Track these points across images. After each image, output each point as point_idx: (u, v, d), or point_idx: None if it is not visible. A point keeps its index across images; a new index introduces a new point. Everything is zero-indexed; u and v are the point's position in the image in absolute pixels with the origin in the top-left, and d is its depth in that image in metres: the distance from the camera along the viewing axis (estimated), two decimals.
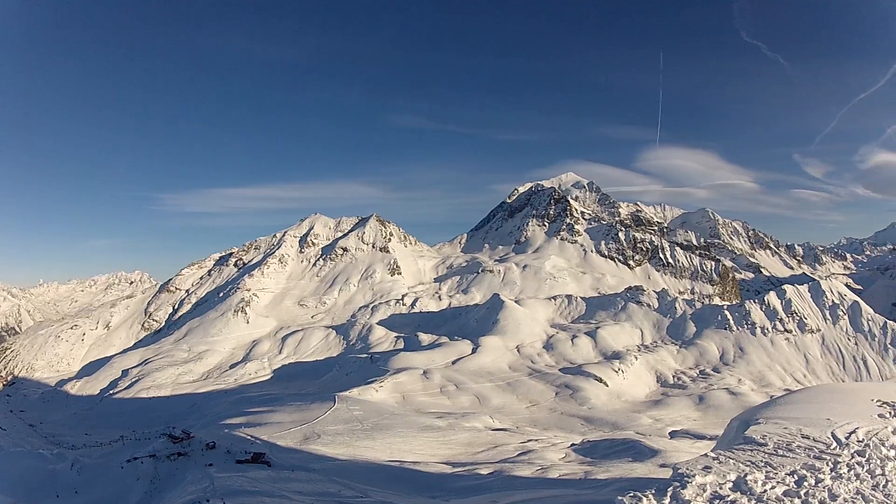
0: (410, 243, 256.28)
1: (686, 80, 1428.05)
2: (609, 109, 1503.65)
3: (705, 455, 15.55)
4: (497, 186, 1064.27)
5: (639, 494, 13.73)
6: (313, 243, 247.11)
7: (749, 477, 14.27)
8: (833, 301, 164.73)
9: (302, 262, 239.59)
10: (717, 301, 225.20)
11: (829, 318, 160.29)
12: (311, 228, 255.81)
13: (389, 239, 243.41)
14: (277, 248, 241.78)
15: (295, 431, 61.78)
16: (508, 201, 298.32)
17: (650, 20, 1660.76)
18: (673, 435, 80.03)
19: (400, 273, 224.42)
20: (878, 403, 18.60)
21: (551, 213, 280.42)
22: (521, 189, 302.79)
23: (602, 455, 56.54)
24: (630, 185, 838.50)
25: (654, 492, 13.88)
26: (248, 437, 53.96)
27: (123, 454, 47.29)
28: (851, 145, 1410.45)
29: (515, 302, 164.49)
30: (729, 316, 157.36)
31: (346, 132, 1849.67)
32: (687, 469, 15.03)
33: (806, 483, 14.06)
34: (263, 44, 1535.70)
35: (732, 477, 14.52)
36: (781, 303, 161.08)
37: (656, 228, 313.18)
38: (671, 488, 13.53)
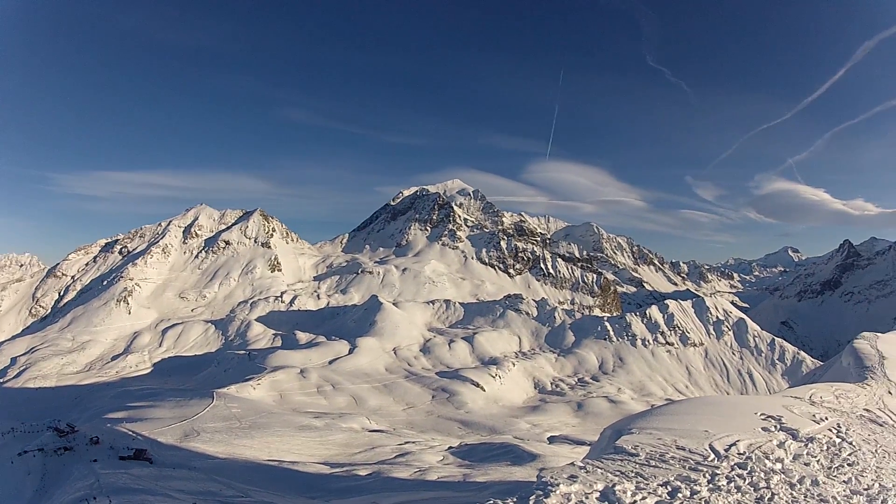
0: (292, 240, 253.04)
1: (584, 97, 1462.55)
2: (502, 120, 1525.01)
3: (572, 464, 14.92)
4: (382, 189, 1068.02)
5: (498, 502, 13.14)
6: (197, 234, 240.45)
7: (618, 487, 13.67)
8: (717, 317, 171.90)
9: (185, 253, 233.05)
10: (597, 312, 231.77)
11: (713, 332, 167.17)
12: (196, 219, 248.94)
13: (272, 234, 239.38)
14: (161, 238, 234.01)
15: (175, 428, 60.30)
16: (392, 204, 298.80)
17: (555, 37, 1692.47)
18: (552, 440, 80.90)
19: (280, 270, 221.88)
20: (762, 417, 18.76)
21: (434, 218, 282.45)
22: (407, 192, 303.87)
23: (480, 458, 57.26)
24: (516, 196, 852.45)
25: (515, 500, 13.28)
26: (130, 433, 52.55)
27: (14, 447, 45.70)
28: (747, 171, 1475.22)
29: (394, 304, 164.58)
30: (609, 327, 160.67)
31: (238, 122, 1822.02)
32: (551, 477, 14.15)
33: (680, 494, 13.63)
34: (161, 26, 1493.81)
35: (600, 487, 13.87)
36: (663, 316, 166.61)
37: (539, 239, 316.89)
38: (533, 497, 12.92)
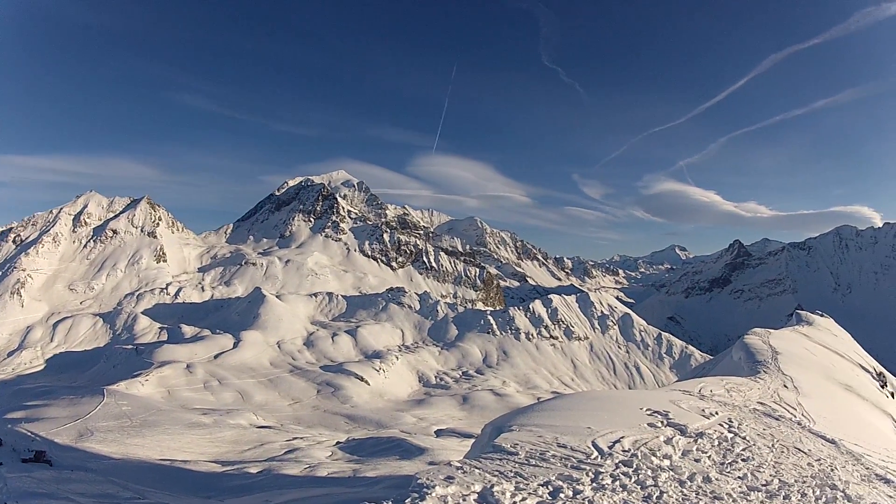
0: (178, 230, 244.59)
1: (476, 92, 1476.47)
2: (391, 112, 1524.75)
3: (449, 464, 13.93)
4: (268, 178, 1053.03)
5: (388, 503, 12.60)
6: (86, 223, 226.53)
7: (496, 488, 12.61)
8: (602, 312, 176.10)
9: (74, 242, 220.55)
10: (480, 306, 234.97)
11: (598, 327, 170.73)
12: (86, 207, 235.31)
13: (158, 224, 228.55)
14: (52, 226, 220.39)
15: (70, 427, 58.33)
16: (277, 194, 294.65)
17: (451, 31, 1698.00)
18: (439, 433, 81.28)
19: (165, 260, 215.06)
20: (648, 412, 18.30)
21: (318, 209, 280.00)
22: (292, 183, 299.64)
23: (369, 453, 55.54)
24: (401, 189, 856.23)
25: (391, 503, 12.63)
26: (29, 434, 50.84)
27: None
28: (637, 171, 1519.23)
29: (277, 297, 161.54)
30: (492, 321, 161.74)
31: (129, 105, 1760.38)
32: (427, 479, 13.22)
33: (562, 494, 12.62)
34: (52, 2, 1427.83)
35: (477, 488, 12.86)
36: (547, 311, 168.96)
37: (422, 233, 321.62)
38: (409, 500, 12.14)
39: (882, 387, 59.68)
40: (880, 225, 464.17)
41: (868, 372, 62.71)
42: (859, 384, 52.19)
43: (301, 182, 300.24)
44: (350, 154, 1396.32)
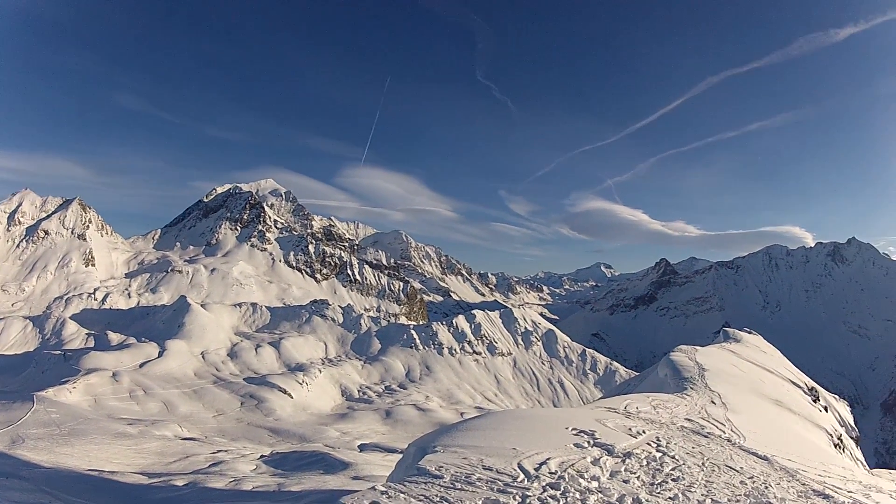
0: (107, 233, 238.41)
1: (408, 105, 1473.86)
2: (321, 121, 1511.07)
3: (373, 488, 13.25)
4: (197, 184, 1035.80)
5: None
6: (20, 222, 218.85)
7: None
8: (526, 328, 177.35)
9: (8, 241, 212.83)
10: (403, 320, 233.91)
11: (522, 343, 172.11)
12: (20, 205, 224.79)
13: (88, 226, 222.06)
14: None
15: (2, 434, 58.00)
16: (205, 200, 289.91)
17: (387, 42, 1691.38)
18: (363, 448, 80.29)
19: (94, 265, 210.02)
20: (574, 432, 17.82)
21: (245, 217, 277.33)
22: (220, 189, 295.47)
23: (293, 467, 56.32)
24: (327, 200, 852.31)
25: None
26: None
27: None
28: (564, 189, 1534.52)
29: (202, 306, 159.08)
30: (415, 335, 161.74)
31: (65, 101, 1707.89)
32: None
33: None
34: None
35: None
36: (470, 326, 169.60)
37: (347, 245, 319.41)
38: None
39: (814, 401, 61.85)
40: (812, 244, 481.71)
41: (799, 387, 63.48)
42: (790, 399, 53.60)
43: (229, 189, 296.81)
44: (279, 163, 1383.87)
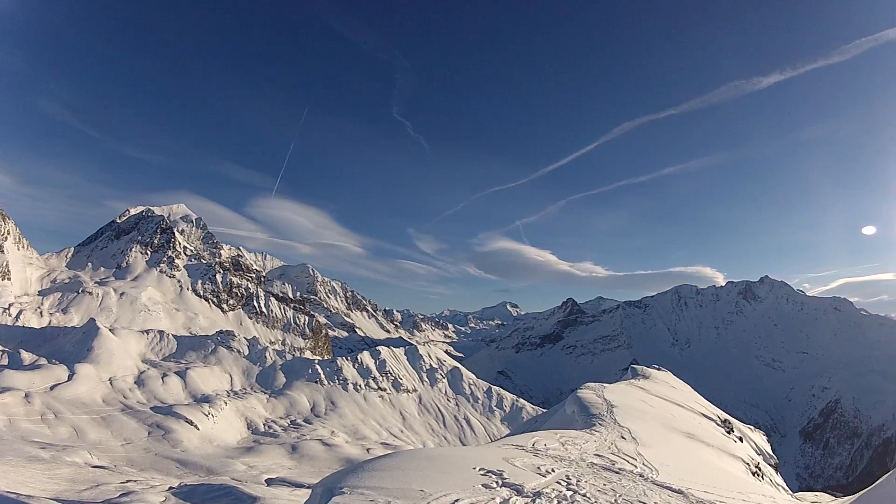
0: (23, 247, 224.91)
1: (323, 138, 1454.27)
2: (235, 149, 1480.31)
3: None
4: (112, 203, 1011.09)
5: None
6: None
7: None
8: (431, 365, 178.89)
9: None
10: (308, 355, 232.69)
11: (427, 379, 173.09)
12: None
13: (6, 237, 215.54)
14: None
15: None
16: (118, 221, 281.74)
17: (308, 73, 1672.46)
18: (270, 482, 77.85)
19: (10, 279, 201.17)
20: (482, 472, 17.19)
21: (156, 242, 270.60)
22: (133, 211, 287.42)
23: (202, 500, 56.65)
24: (237, 229, 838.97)
25: None
26: None
27: None
28: (472, 229, 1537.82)
29: (111, 330, 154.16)
30: (320, 370, 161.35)
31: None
32: None
33: None
34: None
35: None
36: (375, 362, 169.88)
37: (254, 276, 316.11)
38: None
39: (728, 432, 65.71)
40: (723, 284, 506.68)
41: (712, 420, 67.67)
42: (703, 432, 56.32)
43: (142, 212, 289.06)
44: (192, 188, 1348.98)
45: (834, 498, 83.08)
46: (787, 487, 68.88)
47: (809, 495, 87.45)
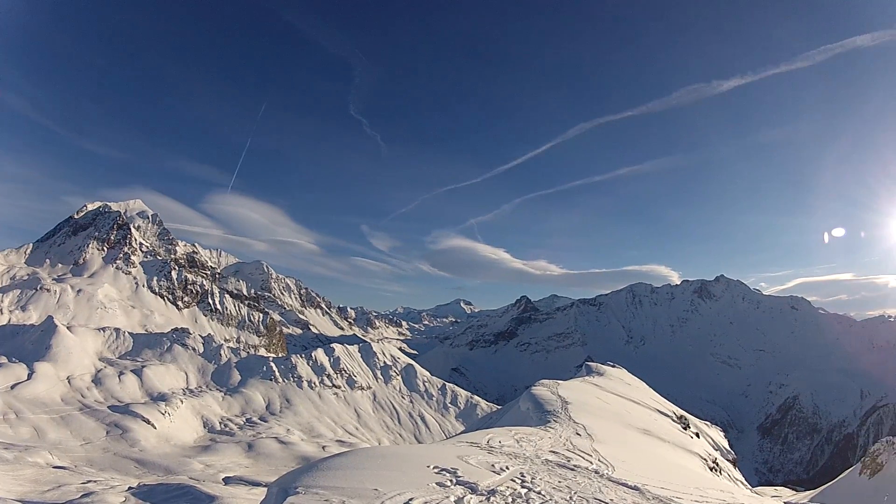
0: None
1: (280, 134, 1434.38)
2: (192, 144, 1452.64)
3: None
4: (70, 198, 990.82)
5: None
6: None
7: None
8: (385, 362, 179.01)
9: None
10: (262, 352, 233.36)
11: (381, 377, 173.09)
12: None
13: None
14: None
15: None
16: (76, 217, 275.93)
17: (266, 68, 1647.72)
18: (227, 481, 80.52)
19: None
20: (436, 469, 16.96)
21: (112, 238, 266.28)
22: (91, 207, 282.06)
23: (161, 500, 56.35)
24: (192, 225, 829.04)
25: None
26: None
27: None
28: (426, 227, 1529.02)
29: (68, 328, 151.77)
30: (275, 367, 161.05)
31: None
32: None
33: None
34: None
35: None
36: (329, 359, 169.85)
37: (209, 273, 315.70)
38: None
39: (685, 428, 66.41)
40: (678, 282, 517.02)
41: (668, 416, 68.48)
42: (659, 428, 56.61)
43: (99, 207, 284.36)
44: (148, 183, 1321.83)
45: (795, 492, 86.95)
46: (745, 482, 69.89)
47: (769, 489, 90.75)
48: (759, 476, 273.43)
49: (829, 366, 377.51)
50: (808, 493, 78.38)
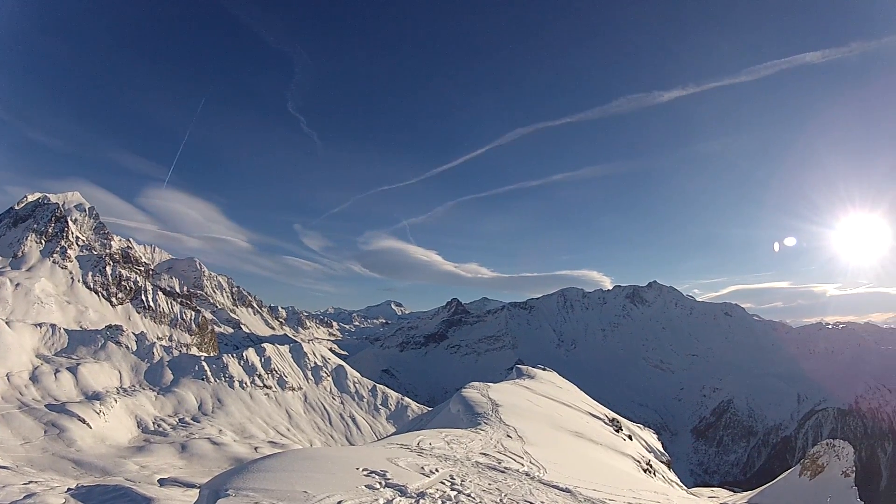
0: None
1: (219, 129, 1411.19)
2: (131, 137, 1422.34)
3: None
4: (11, 188, 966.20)
5: None
6: None
7: None
8: (316, 363, 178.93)
9: None
10: (194, 351, 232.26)
11: (312, 378, 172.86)
12: None
13: None
14: None
15: None
16: (17, 208, 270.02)
17: (208, 61, 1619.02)
18: (163, 483, 77.93)
19: None
20: (365, 472, 16.90)
21: (50, 231, 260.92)
22: (31, 197, 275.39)
23: (99, 502, 58.39)
24: (128, 220, 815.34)
25: None
26: None
27: None
28: (358, 227, 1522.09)
29: (7, 323, 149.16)
30: (206, 367, 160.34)
31: None
32: None
33: None
34: None
35: None
36: (261, 360, 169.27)
37: (143, 269, 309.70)
38: None
39: (617, 431, 67.57)
40: (610, 288, 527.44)
41: (599, 419, 69.34)
42: (591, 430, 57.25)
43: (39, 198, 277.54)
44: (87, 175, 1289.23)
45: (732, 492, 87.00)
46: (681, 483, 71.17)
47: (706, 490, 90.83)
48: (694, 477, 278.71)
49: (765, 370, 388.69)
50: (746, 493, 79.56)
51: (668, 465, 74.66)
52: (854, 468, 62.68)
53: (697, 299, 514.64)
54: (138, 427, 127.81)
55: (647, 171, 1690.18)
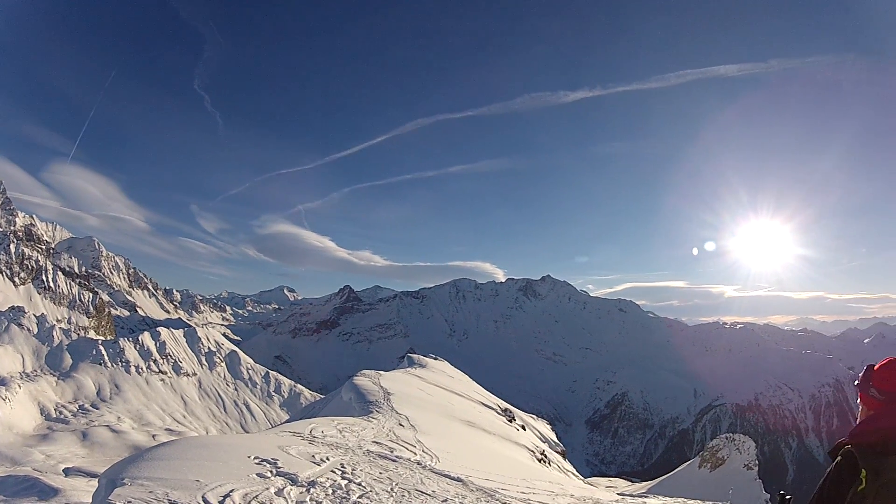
0: None
1: (127, 105, 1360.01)
2: (40, 107, 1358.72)
3: None
4: None
5: None
6: None
7: None
8: (210, 348, 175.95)
9: None
10: (92, 334, 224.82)
11: (206, 363, 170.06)
12: None
13: None
14: None
15: None
16: None
17: (118, 35, 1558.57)
18: (67, 472, 75.75)
19: None
20: (257, 460, 16.61)
21: None
22: None
23: (12, 493, 45.66)
24: (33, 195, 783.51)
25: None
26: None
27: None
28: (254, 210, 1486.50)
29: None
30: (104, 351, 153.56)
31: None
32: None
33: None
34: None
35: None
36: (156, 344, 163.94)
37: (44, 248, 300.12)
38: None
39: (510, 421, 68.02)
40: (503, 280, 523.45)
41: (492, 409, 70.04)
42: (483, 420, 57.75)
43: None
44: None
45: (630, 483, 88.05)
46: (577, 473, 72.16)
47: (604, 480, 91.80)
48: (591, 468, 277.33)
49: (659, 366, 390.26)
50: (644, 483, 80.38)
51: (563, 455, 76.38)
52: (757, 462, 65.77)
53: (591, 294, 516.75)
54: (41, 414, 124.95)
55: (548, 167, 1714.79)
